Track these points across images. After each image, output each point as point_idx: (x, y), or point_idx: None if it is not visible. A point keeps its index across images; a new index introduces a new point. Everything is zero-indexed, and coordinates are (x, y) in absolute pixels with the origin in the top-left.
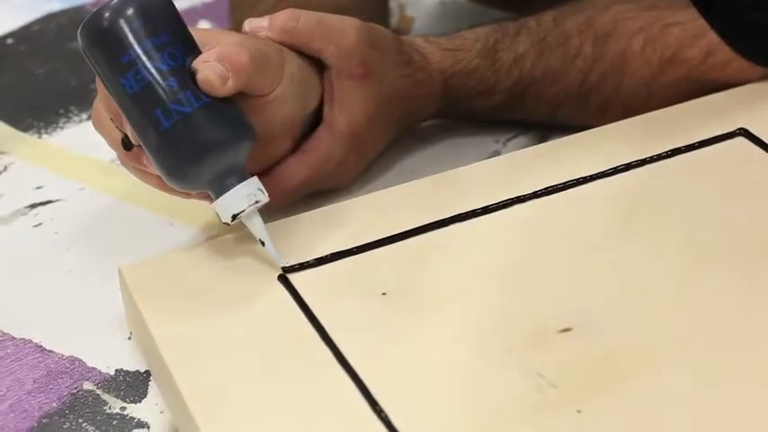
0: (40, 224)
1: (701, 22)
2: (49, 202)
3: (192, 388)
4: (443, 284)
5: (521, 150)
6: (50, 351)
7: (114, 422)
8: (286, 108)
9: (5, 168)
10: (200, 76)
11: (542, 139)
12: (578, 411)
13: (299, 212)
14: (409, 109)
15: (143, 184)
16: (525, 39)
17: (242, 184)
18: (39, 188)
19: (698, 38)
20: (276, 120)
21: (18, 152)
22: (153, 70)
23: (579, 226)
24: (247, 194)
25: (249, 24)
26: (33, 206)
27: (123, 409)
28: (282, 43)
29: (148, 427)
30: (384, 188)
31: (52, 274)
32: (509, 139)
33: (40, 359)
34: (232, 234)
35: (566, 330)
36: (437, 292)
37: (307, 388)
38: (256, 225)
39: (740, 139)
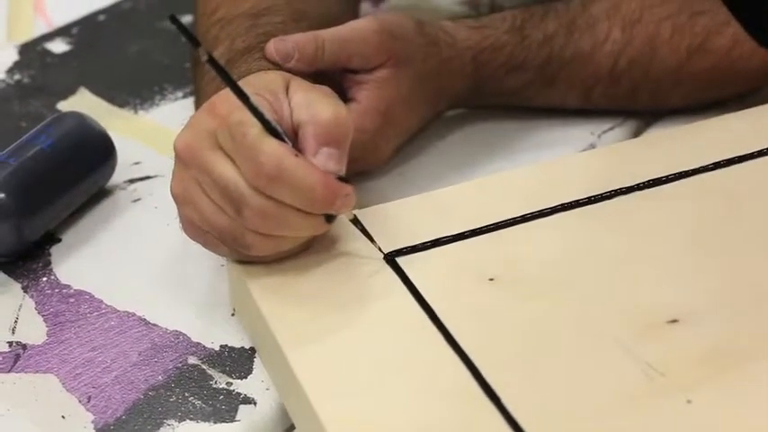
0: (139, 199)
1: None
2: (148, 177)
3: (304, 367)
4: (550, 272)
5: (619, 143)
6: (154, 325)
7: (221, 397)
8: None
9: None
10: None
11: (637, 132)
12: (688, 401)
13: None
14: (440, 87)
15: None
16: (553, 20)
17: None
18: (137, 163)
19: (725, 27)
20: None
21: (115, 128)
22: None
23: (683, 218)
24: None
25: (277, 49)
26: (132, 181)
27: (229, 384)
28: (305, 71)
29: (255, 404)
30: (478, 178)
31: (153, 249)
32: (604, 132)
33: (144, 332)
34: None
35: (673, 322)
36: (544, 280)
37: (417, 369)
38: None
39: None
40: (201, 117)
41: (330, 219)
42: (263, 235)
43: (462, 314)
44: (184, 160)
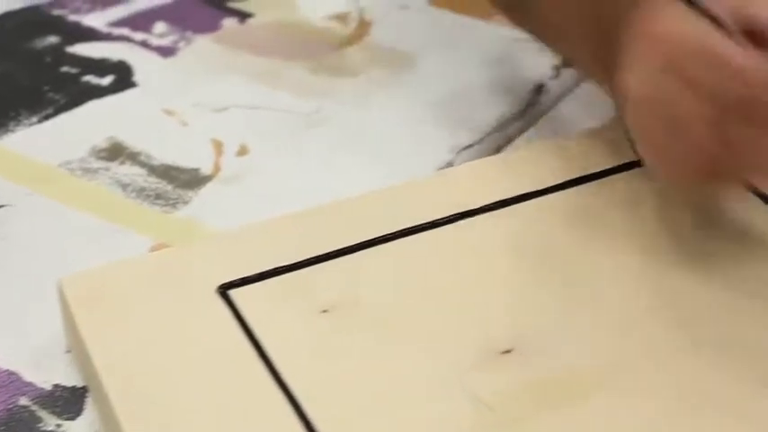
0: None
1: None
2: None
3: (128, 409)
4: (385, 303)
5: (473, 162)
6: None
7: None
8: None
9: None
10: None
11: (497, 150)
12: None
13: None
14: None
15: (92, 189)
16: None
17: None
18: None
19: None
20: None
21: None
22: None
23: (528, 242)
24: None
25: None
26: None
27: (59, 426)
28: None
29: None
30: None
31: None
32: (463, 149)
33: None
34: (175, 245)
35: (506, 352)
36: (378, 311)
37: (241, 408)
38: None
39: None
40: (645, 55)
41: None
42: None
43: (291, 348)
44: (651, 107)
